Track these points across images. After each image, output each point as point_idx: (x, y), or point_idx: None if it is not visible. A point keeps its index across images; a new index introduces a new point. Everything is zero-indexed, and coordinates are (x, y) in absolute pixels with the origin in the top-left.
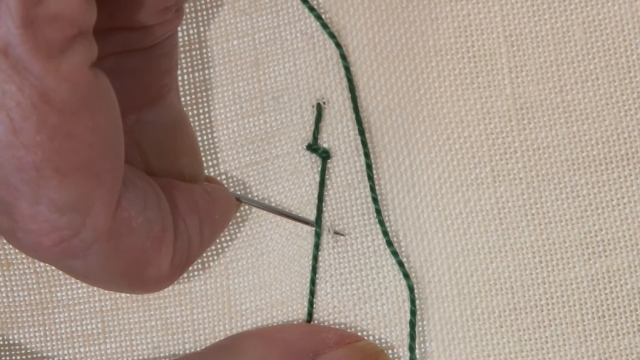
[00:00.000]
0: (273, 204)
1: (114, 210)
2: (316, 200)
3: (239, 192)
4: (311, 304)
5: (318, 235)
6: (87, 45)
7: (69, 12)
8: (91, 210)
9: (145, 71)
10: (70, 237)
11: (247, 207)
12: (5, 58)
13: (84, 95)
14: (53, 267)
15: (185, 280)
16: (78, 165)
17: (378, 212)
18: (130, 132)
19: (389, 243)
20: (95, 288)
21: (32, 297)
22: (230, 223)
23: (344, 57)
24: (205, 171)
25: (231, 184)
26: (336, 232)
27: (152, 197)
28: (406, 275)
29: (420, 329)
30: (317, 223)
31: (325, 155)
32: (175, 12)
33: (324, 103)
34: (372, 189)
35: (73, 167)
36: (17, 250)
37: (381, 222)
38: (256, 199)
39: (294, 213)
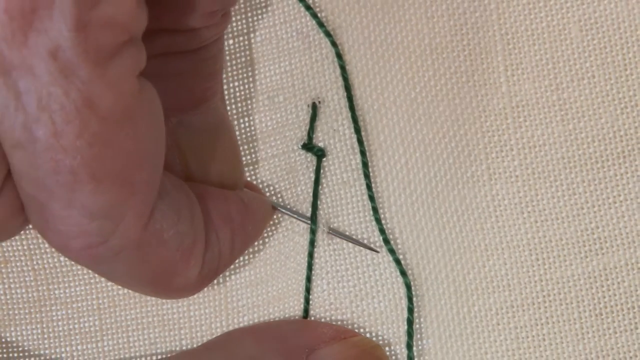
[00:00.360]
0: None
1: (146, 221)
2: (312, 199)
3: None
4: (307, 300)
5: (313, 232)
6: (135, 53)
7: (122, 18)
8: (123, 219)
9: (190, 74)
10: (98, 244)
11: (280, 215)
12: (54, 61)
13: (129, 104)
14: (51, 265)
15: None
16: (115, 174)
17: (375, 210)
18: (171, 134)
19: (386, 241)
20: (92, 286)
21: (29, 295)
22: None
23: (339, 56)
24: None
25: None
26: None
27: (185, 210)
28: (403, 273)
29: (417, 326)
30: (312, 219)
31: (320, 154)
32: (222, 17)
33: (320, 102)
34: (369, 187)
35: (109, 175)
36: (15, 248)
37: (378, 220)
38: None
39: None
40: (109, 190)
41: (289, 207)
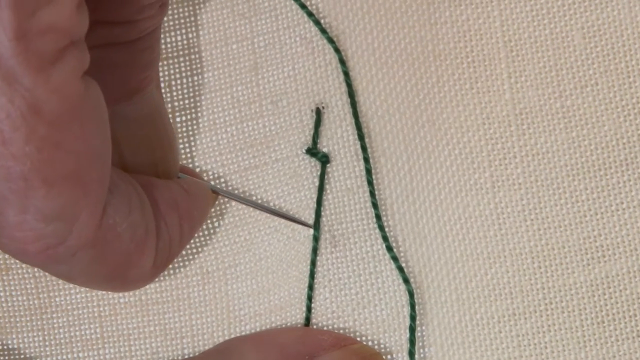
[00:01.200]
0: (272, 207)
1: (100, 218)
2: (315, 205)
3: (219, 186)
4: (309, 309)
5: (316, 239)
6: (78, 54)
7: (62, 23)
8: (78, 219)
9: (126, 65)
10: (55, 245)
11: (225, 200)
12: None
13: (74, 106)
14: None
15: (184, 286)
16: (66, 176)
17: (378, 217)
18: None
19: (389, 248)
20: (94, 293)
21: (31, 302)
22: (229, 228)
23: (343, 62)
24: (204, 175)
25: (230, 187)
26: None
27: (135, 201)
28: (406, 281)
29: (419, 334)
30: (316, 227)
31: (324, 160)
32: (159, 8)
33: (323, 108)
34: (372, 194)
35: (61, 177)
36: None
37: (381, 227)
38: (259, 201)
39: (273, 208)
40: (61, 192)
41: (252, 198)
